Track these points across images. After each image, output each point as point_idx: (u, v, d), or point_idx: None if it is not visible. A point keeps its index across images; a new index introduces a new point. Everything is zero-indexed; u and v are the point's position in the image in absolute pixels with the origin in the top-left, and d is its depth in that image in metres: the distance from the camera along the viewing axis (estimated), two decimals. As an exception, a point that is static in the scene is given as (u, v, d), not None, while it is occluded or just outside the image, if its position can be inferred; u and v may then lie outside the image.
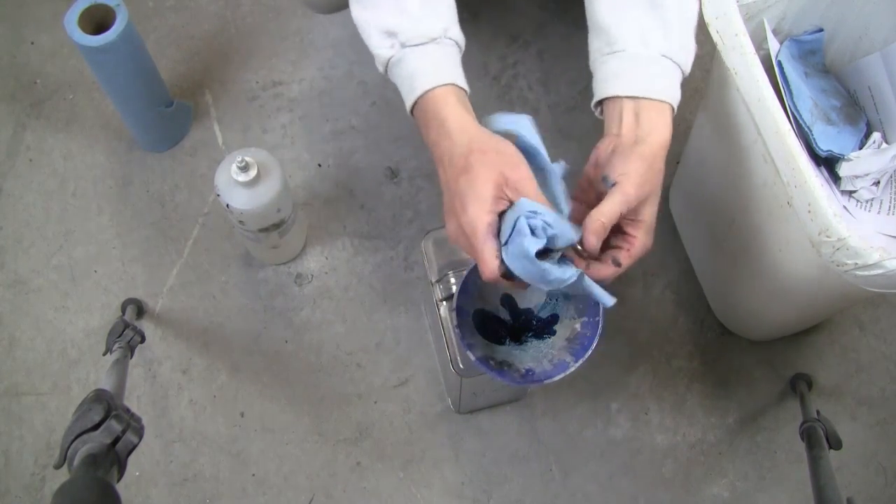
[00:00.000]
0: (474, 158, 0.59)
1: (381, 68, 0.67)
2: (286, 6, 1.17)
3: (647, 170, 0.61)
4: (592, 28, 0.68)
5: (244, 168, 0.81)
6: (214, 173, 0.85)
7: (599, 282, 0.60)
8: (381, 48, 0.65)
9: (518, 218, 0.56)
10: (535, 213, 0.56)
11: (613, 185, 0.61)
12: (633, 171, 0.61)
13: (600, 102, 0.66)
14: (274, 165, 0.85)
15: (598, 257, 0.62)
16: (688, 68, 0.68)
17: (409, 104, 0.64)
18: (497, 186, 0.58)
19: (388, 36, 0.64)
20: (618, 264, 0.62)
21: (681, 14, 0.67)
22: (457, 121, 0.62)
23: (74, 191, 1.05)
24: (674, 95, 0.66)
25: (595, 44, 0.68)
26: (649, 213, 0.62)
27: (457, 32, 0.66)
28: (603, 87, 0.66)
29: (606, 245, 0.63)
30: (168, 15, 1.16)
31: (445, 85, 0.63)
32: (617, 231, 0.63)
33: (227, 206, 0.84)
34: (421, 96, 0.63)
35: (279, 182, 0.85)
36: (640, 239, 0.62)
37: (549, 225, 0.56)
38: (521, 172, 0.60)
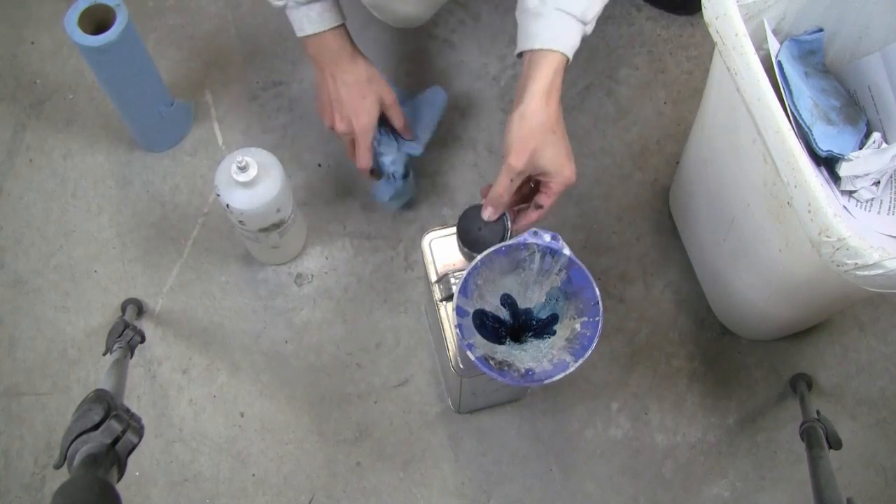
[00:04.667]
0: (369, 86, 0.86)
1: (274, 5, 0.82)
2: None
3: (524, 130, 0.69)
4: None
5: (244, 168, 0.81)
6: (214, 173, 0.85)
7: (531, 226, 0.68)
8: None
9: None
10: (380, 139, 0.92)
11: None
12: (510, 141, 0.70)
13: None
14: (274, 165, 0.85)
15: (524, 207, 0.76)
16: (588, 17, 0.73)
17: (304, 34, 0.83)
18: (378, 109, 0.87)
19: None
20: (539, 207, 0.74)
21: None
22: (351, 53, 0.85)
23: (74, 191, 1.05)
24: (564, 44, 0.71)
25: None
26: (548, 159, 0.70)
27: None
28: (516, 46, 0.76)
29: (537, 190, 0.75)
30: (168, 15, 1.16)
31: (337, 27, 0.83)
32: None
33: (227, 206, 0.84)
34: (318, 33, 0.82)
35: (279, 182, 0.85)
36: (553, 180, 0.72)
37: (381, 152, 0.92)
38: (390, 100, 0.88)
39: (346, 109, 0.86)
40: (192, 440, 0.92)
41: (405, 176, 0.97)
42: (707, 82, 0.83)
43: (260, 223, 0.87)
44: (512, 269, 0.66)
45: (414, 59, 1.13)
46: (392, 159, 0.94)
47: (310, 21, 0.82)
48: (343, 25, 0.84)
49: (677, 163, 1.03)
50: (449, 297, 0.74)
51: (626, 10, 1.19)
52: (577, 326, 0.65)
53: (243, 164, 0.81)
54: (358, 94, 0.85)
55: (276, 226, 0.90)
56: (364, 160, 0.90)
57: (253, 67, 1.12)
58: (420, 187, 1.05)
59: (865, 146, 0.79)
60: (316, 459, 0.92)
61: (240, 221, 0.87)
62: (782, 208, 0.70)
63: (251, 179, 0.82)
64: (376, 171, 0.95)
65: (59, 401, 0.93)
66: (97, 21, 0.88)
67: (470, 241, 0.73)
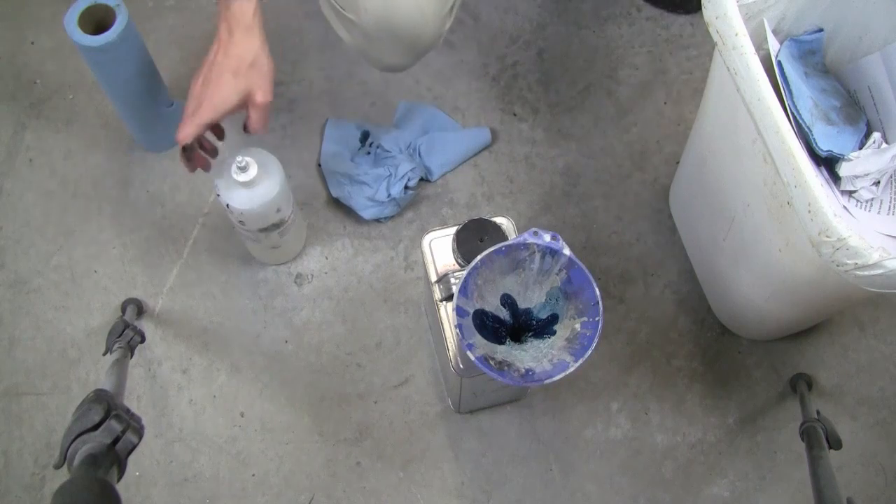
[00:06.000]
0: (247, 69, 0.78)
1: None
2: (286, 7, 1.17)
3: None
4: None
5: (244, 168, 0.81)
6: (214, 173, 0.85)
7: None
8: None
9: None
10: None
11: None
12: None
13: None
14: (274, 165, 0.85)
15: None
16: None
17: None
18: (241, 97, 0.78)
19: None
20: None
21: None
22: (247, 27, 0.78)
23: (74, 191, 1.05)
24: None
25: None
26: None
27: None
28: None
29: None
30: (168, 15, 1.16)
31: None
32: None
33: (227, 206, 0.84)
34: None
35: (279, 182, 0.85)
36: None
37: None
38: (261, 99, 0.79)
39: (212, 74, 0.78)
40: (192, 440, 0.92)
41: (392, 197, 1.00)
42: (707, 82, 0.83)
43: (260, 223, 0.87)
44: (512, 269, 0.66)
45: (414, 59, 1.13)
46: (385, 183, 0.97)
47: None
48: (261, 8, 0.79)
49: (677, 163, 1.03)
50: (449, 297, 0.74)
51: (626, 10, 1.19)
52: (577, 326, 0.65)
53: (243, 164, 0.81)
54: (230, 70, 0.78)
55: (276, 226, 0.90)
56: (184, 132, 0.79)
57: (253, 67, 1.12)
58: (420, 188, 1.05)
59: (865, 146, 0.79)
60: (316, 459, 0.92)
61: (240, 221, 0.87)
62: (782, 208, 0.70)
63: (251, 179, 0.82)
64: (187, 151, 0.84)
65: (59, 401, 0.93)
66: (97, 21, 0.88)
67: (469, 254, 0.72)
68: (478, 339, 0.64)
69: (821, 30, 0.83)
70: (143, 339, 0.86)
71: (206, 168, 0.88)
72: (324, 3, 0.87)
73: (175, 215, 1.03)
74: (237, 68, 0.78)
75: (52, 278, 1.00)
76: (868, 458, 0.93)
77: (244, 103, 0.79)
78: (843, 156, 0.77)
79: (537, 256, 0.65)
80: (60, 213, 1.03)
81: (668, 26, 1.18)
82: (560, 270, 0.65)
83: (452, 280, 0.74)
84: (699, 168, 0.91)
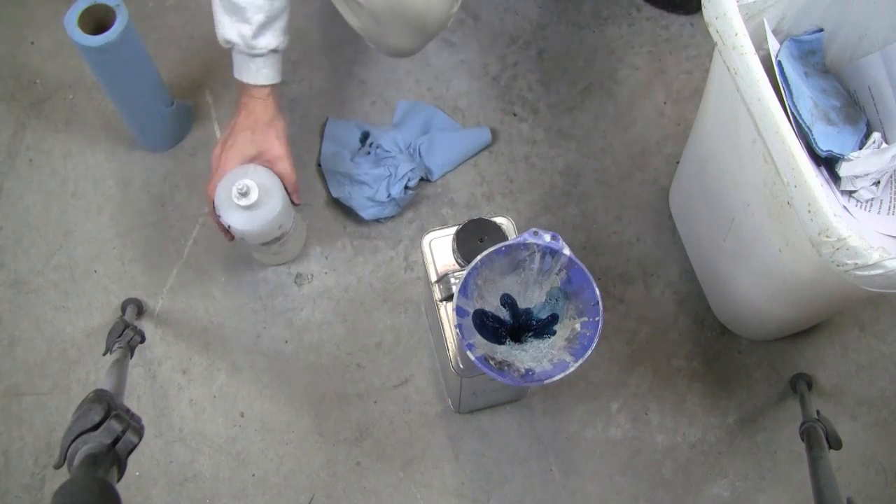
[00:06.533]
0: (265, 125, 0.86)
1: (221, 42, 0.84)
2: (286, 6, 1.16)
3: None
4: None
5: (245, 193, 0.81)
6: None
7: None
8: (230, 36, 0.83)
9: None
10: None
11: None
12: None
13: None
14: (275, 185, 0.85)
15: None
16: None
17: (239, 76, 0.85)
18: (253, 151, 0.86)
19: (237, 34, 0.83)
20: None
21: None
22: (266, 113, 0.87)
23: (74, 191, 1.05)
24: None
25: None
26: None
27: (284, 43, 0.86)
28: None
29: None
30: (168, 15, 1.16)
31: (272, 84, 0.86)
32: None
33: (229, 227, 0.84)
34: (253, 85, 0.85)
35: (280, 201, 0.85)
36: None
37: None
38: (275, 152, 0.88)
39: (229, 142, 0.86)
40: (192, 440, 0.92)
41: (392, 197, 1.00)
42: (707, 82, 0.83)
43: (262, 240, 0.88)
44: (512, 269, 0.66)
45: (414, 59, 1.13)
46: (385, 183, 0.98)
47: (255, 74, 0.84)
48: (278, 85, 0.87)
49: (677, 163, 1.03)
50: (449, 297, 0.74)
51: (626, 10, 1.19)
52: (577, 326, 0.65)
53: (244, 189, 0.81)
54: (249, 128, 0.86)
55: (278, 239, 0.90)
56: (210, 188, 0.87)
57: (253, 67, 1.12)
58: (420, 188, 1.05)
59: (865, 146, 0.79)
60: (316, 459, 0.92)
61: (241, 238, 0.87)
62: (782, 208, 0.70)
63: (252, 203, 0.82)
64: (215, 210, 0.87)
65: (59, 401, 0.93)
66: (97, 21, 0.88)
67: (469, 254, 0.72)
68: (478, 339, 0.64)
69: (821, 30, 0.83)
70: (143, 339, 0.86)
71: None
72: None
73: (175, 215, 1.03)
74: (255, 124, 0.86)
75: (52, 278, 1.00)
76: (868, 458, 0.93)
77: (259, 158, 0.87)
78: (843, 156, 0.77)
79: (537, 256, 0.65)
80: (60, 212, 1.03)
81: (668, 26, 1.18)
82: (560, 270, 0.65)
83: (452, 280, 0.74)
84: (699, 168, 0.91)
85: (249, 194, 0.81)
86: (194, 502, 0.90)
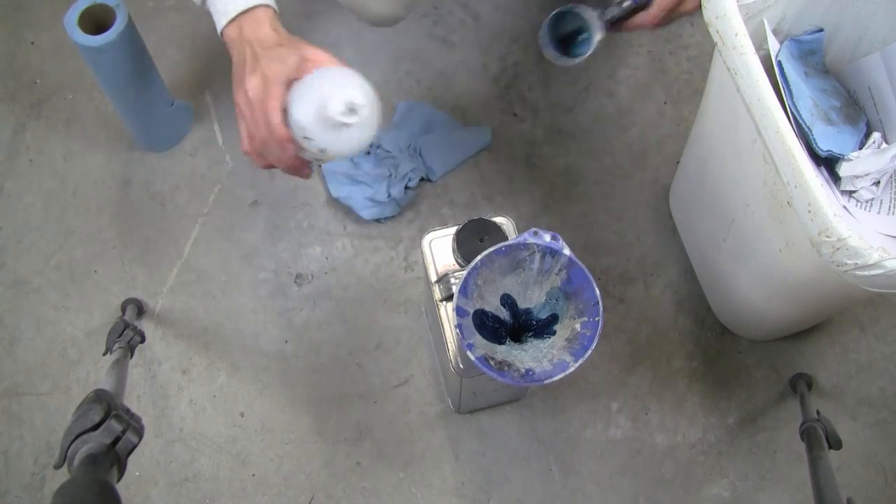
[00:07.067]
0: (290, 43, 0.69)
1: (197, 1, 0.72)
2: (285, 6, 1.16)
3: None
4: None
5: (353, 109, 0.66)
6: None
7: (642, 28, 0.82)
8: None
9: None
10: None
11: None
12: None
13: None
14: (372, 93, 0.70)
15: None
16: None
17: (229, 17, 0.70)
18: (297, 61, 0.67)
19: None
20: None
21: None
22: (273, 28, 0.70)
23: (74, 191, 1.05)
24: None
25: None
26: None
27: None
28: None
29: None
30: (168, 15, 1.16)
31: (263, 6, 0.71)
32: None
33: (322, 150, 0.68)
34: (243, 12, 0.69)
35: (377, 101, 0.70)
36: None
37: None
38: (319, 56, 0.68)
39: (262, 64, 0.67)
40: (192, 440, 0.92)
41: (392, 196, 1.00)
42: (707, 82, 0.83)
43: (356, 154, 0.74)
44: (512, 269, 0.66)
45: (414, 59, 1.14)
46: (386, 183, 0.97)
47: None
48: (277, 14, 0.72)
49: (677, 163, 1.03)
50: (449, 297, 0.74)
51: (626, 10, 1.19)
52: (577, 326, 0.65)
53: (352, 105, 0.66)
54: (275, 51, 0.68)
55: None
56: (274, 114, 0.67)
57: (253, 67, 1.12)
58: (419, 187, 1.05)
59: (865, 146, 0.79)
60: (316, 459, 0.92)
61: (321, 160, 0.72)
62: (782, 208, 0.70)
63: (361, 119, 0.67)
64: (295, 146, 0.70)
65: (59, 401, 0.93)
66: (97, 21, 0.88)
67: (469, 254, 0.72)
68: (478, 339, 0.64)
69: (821, 30, 0.83)
70: (143, 339, 0.86)
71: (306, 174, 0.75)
72: None
73: (175, 215, 1.03)
74: (279, 46, 0.69)
75: (52, 278, 1.00)
76: (868, 458, 0.93)
77: (302, 68, 0.68)
78: (843, 156, 0.77)
79: (537, 256, 0.65)
80: (60, 212, 1.03)
81: (668, 26, 1.18)
82: (560, 270, 0.65)
83: (452, 280, 0.74)
84: (699, 168, 0.91)
85: (359, 109, 0.66)
86: (194, 502, 0.90)
